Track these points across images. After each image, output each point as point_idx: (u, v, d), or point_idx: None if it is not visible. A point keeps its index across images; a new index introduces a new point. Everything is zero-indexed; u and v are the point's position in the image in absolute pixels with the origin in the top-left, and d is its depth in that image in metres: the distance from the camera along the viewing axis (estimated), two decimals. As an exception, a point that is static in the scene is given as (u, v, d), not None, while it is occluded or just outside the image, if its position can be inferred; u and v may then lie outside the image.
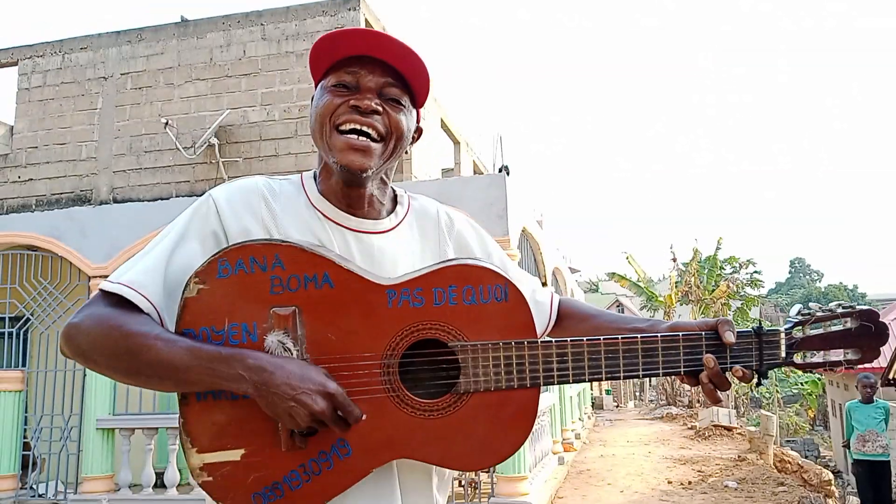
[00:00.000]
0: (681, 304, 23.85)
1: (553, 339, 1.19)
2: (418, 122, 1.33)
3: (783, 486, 9.35)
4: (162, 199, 8.26)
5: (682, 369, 1.20)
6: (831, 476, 10.80)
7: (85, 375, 7.80)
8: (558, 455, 10.71)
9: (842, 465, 17.97)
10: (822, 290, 69.20)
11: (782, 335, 1.21)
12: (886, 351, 21.30)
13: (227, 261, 1.11)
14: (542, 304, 1.43)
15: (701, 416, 18.34)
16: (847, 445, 8.09)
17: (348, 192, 1.26)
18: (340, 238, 1.24)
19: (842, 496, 12.20)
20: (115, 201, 8.56)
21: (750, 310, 24.84)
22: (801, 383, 29.16)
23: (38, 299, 8.21)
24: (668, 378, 28.14)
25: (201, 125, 8.40)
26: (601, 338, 1.19)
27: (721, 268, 25.47)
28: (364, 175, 1.22)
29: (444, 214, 1.40)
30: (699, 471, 10.78)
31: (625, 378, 1.20)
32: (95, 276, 7.82)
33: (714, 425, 16.40)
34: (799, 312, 1.24)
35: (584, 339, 1.19)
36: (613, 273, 26.40)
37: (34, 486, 8.12)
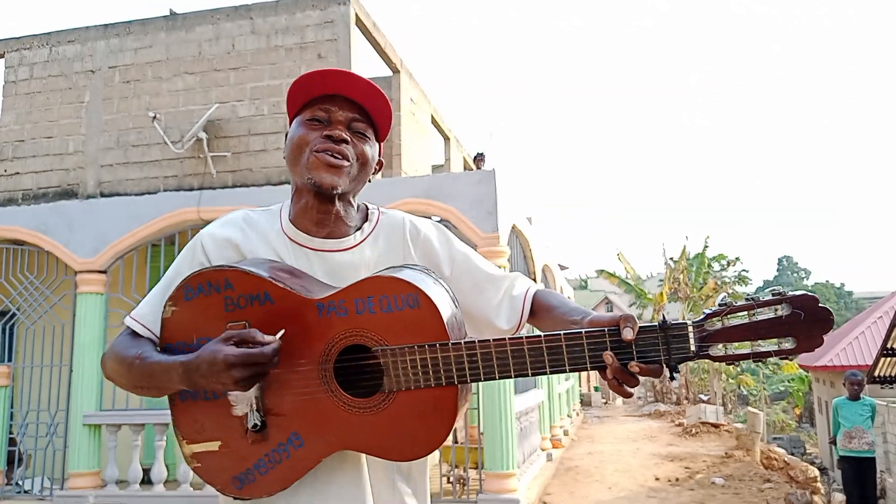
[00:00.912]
0: (670, 302, 23.93)
1: (464, 341, 1.27)
2: (380, 154, 1.53)
3: (769, 483, 9.41)
4: (150, 193, 8.20)
5: (587, 366, 1.22)
6: (817, 473, 10.88)
7: (71, 371, 7.75)
8: (547, 451, 10.73)
9: (828, 461, 18.09)
10: (809, 287, 69.64)
11: (690, 328, 1.19)
12: (872, 348, 21.42)
13: (190, 286, 1.34)
14: (515, 299, 1.50)
15: (689, 413, 18.43)
16: (833, 442, 8.14)
17: (318, 209, 1.43)
18: (304, 259, 1.43)
19: (827, 493, 12.28)
20: (103, 195, 8.50)
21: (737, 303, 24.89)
22: (789, 381, 29.34)
23: (25, 294, 8.15)
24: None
25: (189, 119, 8.35)
26: (507, 338, 1.26)
27: (709, 265, 25.60)
28: (334, 191, 1.40)
29: (409, 224, 1.53)
30: (686, 467, 10.83)
31: (533, 375, 1.25)
32: (82, 271, 7.77)
33: (701, 422, 16.48)
34: (720, 302, 1.21)
35: (492, 339, 1.27)
36: (602, 270, 26.47)
37: (20, 482, 8.07)
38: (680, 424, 17.72)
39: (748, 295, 1.20)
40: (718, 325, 1.19)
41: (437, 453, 8.95)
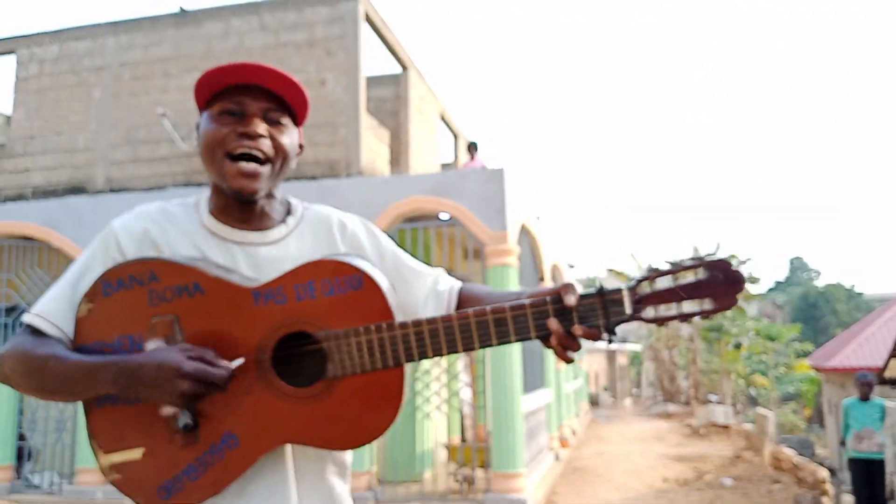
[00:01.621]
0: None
1: (410, 320, 1.24)
2: (300, 139, 1.46)
3: (779, 484, 9.36)
4: (158, 189, 8.22)
5: (532, 335, 1.24)
6: (826, 474, 10.79)
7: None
8: (554, 451, 10.70)
9: (837, 463, 17.97)
10: (820, 288, 69.27)
11: (625, 292, 1.23)
12: (883, 350, 21.27)
13: (109, 280, 1.25)
14: (441, 294, 1.47)
15: (698, 414, 18.37)
16: (843, 443, 8.08)
17: (238, 208, 1.37)
18: (226, 252, 1.35)
19: (836, 494, 12.19)
20: (112, 191, 8.51)
21: (748, 304, 24.81)
22: (799, 382, 29.19)
23: (34, 289, 8.18)
24: (665, 375, 28.16)
25: (197, 116, 8.36)
26: (454, 314, 1.24)
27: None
28: (255, 197, 1.34)
29: (336, 220, 1.48)
30: (695, 468, 10.78)
31: (480, 347, 1.24)
32: (91, 267, 7.78)
33: (711, 423, 16.42)
34: (647, 269, 1.26)
35: (439, 316, 1.24)
36: (613, 269, 26.38)
37: (29, 477, 8.11)
38: (689, 425, 17.66)
39: (671, 260, 1.26)
40: (648, 290, 1.24)
41: (444, 452, 8.93)
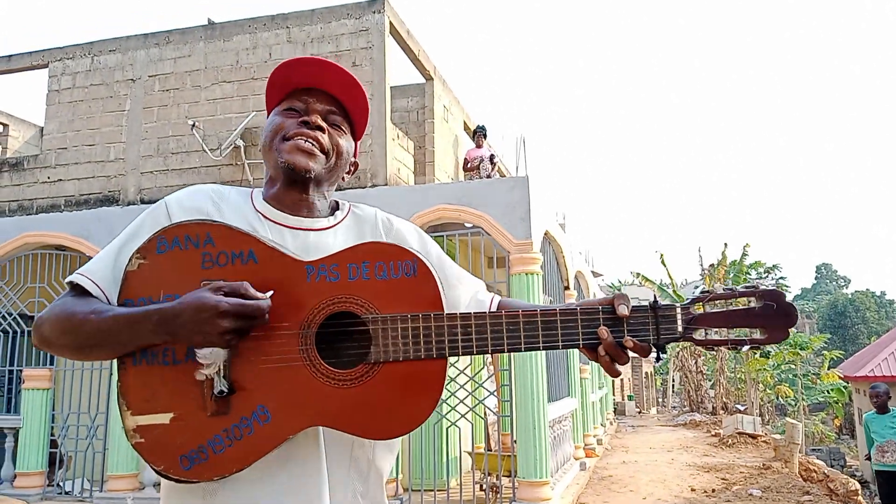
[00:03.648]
0: (706, 310, 23.60)
1: (458, 313, 1.24)
2: (356, 155, 1.50)
3: (808, 496, 9.23)
4: (188, 200, 8.35)
5: (580, 342, 1.23)
6: (858, 486, 10.64)
7: (111, 374, 7.88)
8: (580, 461, 10.65)
9: (869, 475, 17.69)
10: (849, 296, 68.23)
11: (678, 310, 1.23)
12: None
13: (164, 238, 1.22)
14: (482, 303, 1.49)
15: (725, 423, 18.17)
16: (869, 457, 7.97)
17: (291, 195, 1.39)
18: (277, 234, 1.35)
19: (869, 506, 12.01)
20: (143, 202, 8.66)
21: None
22: (828, 391, 28.78)
23: (66, 298, 8.31)
24: (691, 384, 27.85)
25: (227, 127, 8.47)
26: (503, 311, 1.24)
27: (746, 272, 25.24)
28: (307, 175, 1.36)
29: (383, 217, 1.51)
30: (723, 478, 10.67)
31: (526, 350, 1.23)
32: (122, 276, 7.91)
33: (738, 433, 16.23)
34: (701, 290, 1.25)
35: (487, 312, 1.24)
36: (639, 273, 26.19)
37: (61, 484, 8.23)
38: (716, 434, 17.47)
39: (725, 285, 1.25)
40: (700, 311, 1.24)
41: (469, 460, 8.94)
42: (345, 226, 1.44)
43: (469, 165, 9.99)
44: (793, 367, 27.30)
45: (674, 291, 25.45)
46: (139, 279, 1.22)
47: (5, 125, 13.13)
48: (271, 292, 1.19)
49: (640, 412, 34.46)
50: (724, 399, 24.92)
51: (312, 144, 1.37)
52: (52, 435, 8.21)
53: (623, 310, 1.21)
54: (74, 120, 9.30)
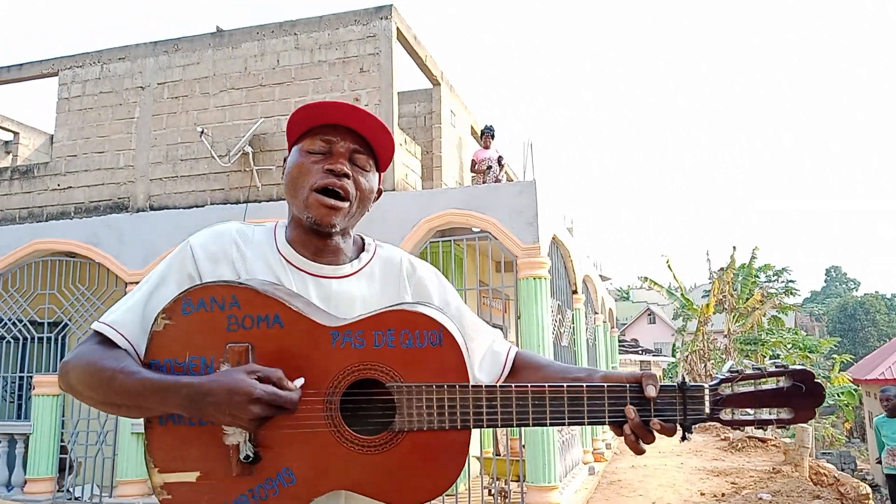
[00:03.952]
0: (716, 313, 23.51)
1: (484, 385, 1.23)
2: (380, 183, 1.49)
3: (819, 500, 9.19)
4: (197, 206, 8.39)
5: (606, 419, 1.22)
6: (869, 490, 10.58)
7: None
8: (589, 465, 10.63)
9: (880, 478, 17.59)
10: (859, 298, 67.89)
11: (706, 391, 1.23)
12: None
13: (190, 299, 1.23)
14: (497, 355, 1.50)
15: (734, 426, 18.05)
16: (880, 461, 7.94)
17: (315, 241, 1.39)
18: (300, 282, 1.36)
19: (880, 510, 11.95)
20: (152, 209, 8.71)
21: (787, 315, 24.41)
22: (838, 394, 28.65)
23: (77, 305, 8.37)
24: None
25: (236, 134, 8.52)
26: (529, 385, 1.23)
27: (756, 276, 25.14)
28: (332, 229, 1.37)
29: (407, 262, 1.51)
30: (732, 483, 10.63)
31: (551, 425, 1.23)
32: (132, 282, 7.96)
33: (748, 437, 16.16)
34: (729, 370, 1.25)
35: (513, 385, 1.23)
36: (647, 277, 26.11)
37: (70, 489, 8.26)
38: (726, 439, 17.40)
39: (755, 364, 1.26)
40: (728, 391, 1.24)
41: (477, 464, 8.94)
42: (368, 272, 1.44)
43: (477, 167, 9.95)
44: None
45: (682, 295, 25.37)
46: (165, 340, 1.24)
47: (16, 133, 13.23)
48: (302, 381, 1.20)
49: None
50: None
51: (338, 199, 1.35)
52: (62, 441, 8.24)
53: (651, 391, 1.21)
54: (84, 127, 9.37)
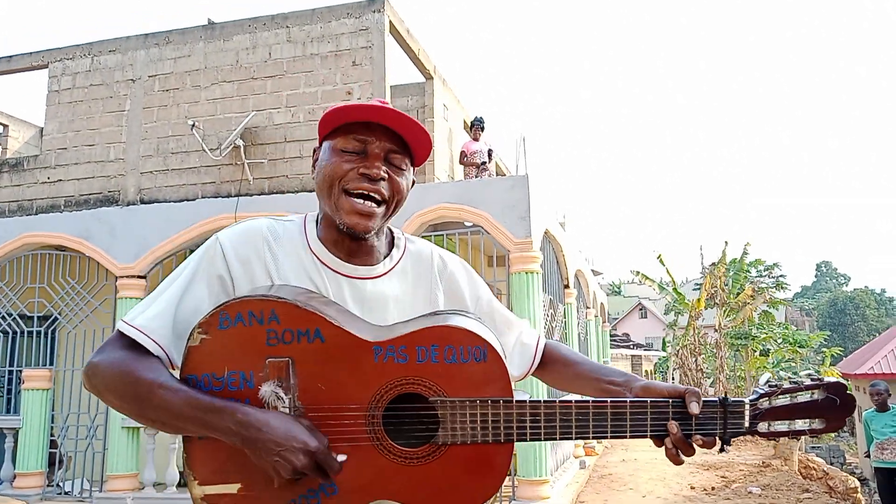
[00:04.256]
0: (707, 308, 23.59)
1: (528, 400, 1.25)
2: (414, 174, 1.46)
3: (808, 493, 9.24)
4: (188, 199, 8.35)
5: (648, 433, 1.26)
6: (857, 483, 10.64)
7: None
8: (580, 459, 10.66)
9: (868, 472, 17.71)
10: (849, 293, 68.25)
11: (747, 406, 1.27)
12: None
13: (227, 314, 1.21)
14: (527, 347, 1.51)
15: (725, 421, 18.15)
16: (868, 455, 8.00)
17: (349, 243, 1.37)
18: (335, 284, 1.35)
19: (868, 504, 12.03)
20: (143, 202, 8.66)
21: (777, 310, 24.53)
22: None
23: (66, 299, 8.33)
24: (691, 382, 27.86)
25: (227, 127, 8.48)
26: (573, 400, 1.25)
27: (747, 271, 25.24)
28: (366, 235, 1.34)
29: (437, 257, 1.49)
30: (722, 476, 10.68)
31: (594, 438, 1.25)
32: (122, 276, 7.92)
33: (738, 430, 16.22)
34: (767, 383, 1.29)
35: (557, 400, 1.25)
36: (638, 272, 26.17)
37: (60, 484, 8.23)
38: (716, 432, 17.48)
39: (791, 378, 1.30)
40: (767, 405, 1.28)
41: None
42: (401, 269, 1.43)
43: (468, 159, 9.91)
44: (793, 364, 27.32)
45: (674, 289, 25.46)
46: (202, 355, 1.22)
47: (5, 126, 13.14)
48: (344, 457, 1.20)
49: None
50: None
51: (372, 202, 1.32)
52: (52, 435, 8.21)
53: (694, 408, 1.24)
54: (74, 120, 9.31)
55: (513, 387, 1.27)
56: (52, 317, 8.37)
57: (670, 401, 1.25)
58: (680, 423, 1.25)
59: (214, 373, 1.22)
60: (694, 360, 26.69)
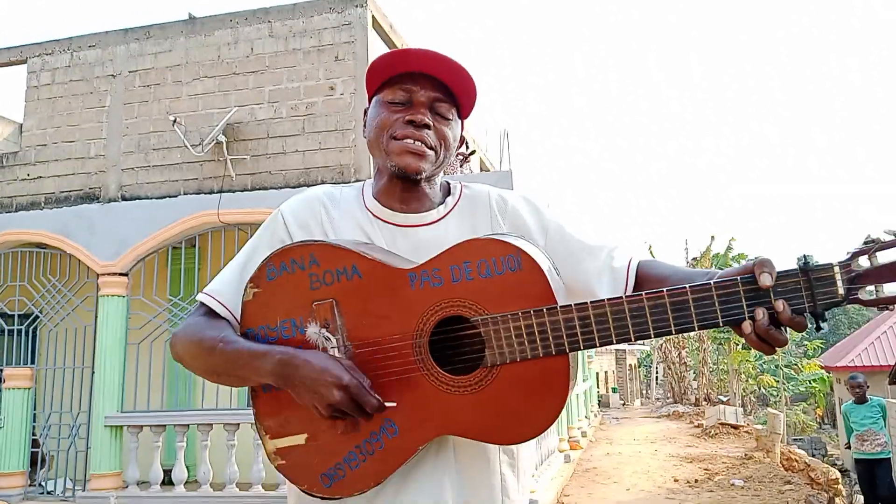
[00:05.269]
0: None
1: (573, 304, 1.15)
2: (462, 130, 1.45)
3: (790, 485, 9.34)
4: (170, 196, 8.28)
5: (719, 321, 1.09)
6: (839, 475, 10.77)
7: (93, 373, 7.82)
8: (564, 453, 10.71)
9: (849, 463, 17.92)
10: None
11: (836, 269, 1.06)
12: (894, 348, 21.15)
13: (272, 265, 1.26)
14: (617, 271, 1.37)
15: (707, 414, 18.33)
16: (849, 446, 8.10)
17: (401, 191, 1.39)
18: (388, 234, 1.37)
19: (849, 495, 12.18)
20: (124, 199, 8.58)
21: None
22: (810, 381, 29.09)
23: (47, 297, 8.25)
24: (675, 375, 28.06)
25: (209, 123, 8.41)
26: (623, 296, 1.14)
27: (730, 265, 25.41)
28: (418, 176, 1.35)
29: (496, 196, 1.46)
30: (706, 469, 10.77)
31: (655, 336, 1.13)
32: (104, 274, 7.86)
33: (721, 423, 16.38)
34: (864, 241, 1.07)
35: (606, 299, 1.14)
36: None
37: (43, 483, 8.17)
38: (699, 426, 17.63)
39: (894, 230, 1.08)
40: (867, 265, 1.06)
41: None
42: (457, 213, 1.42)
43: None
44: (775, 357, 27.59)
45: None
46: (255, 308, 1.28)
47: (-17, 121, 12.98)
48: (393, 404, 1.19)
49: (624, 404, 34.69)
50: (707, 390, 25.14)
51: (421, 145, 1.33)
52: (34, 434, 8.14)
53: (766, 279, 1.06)
54: (54, 116, 9.20)
55: (555, 292, 1.16)
56: (33, 315, 8.29)
57: (738, 278, 1.09)
58: (756, 303, 1.07)
59: (269, 324, 1.26)
60: (678, 353, 26.90)
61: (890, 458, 7.89)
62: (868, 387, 8.07)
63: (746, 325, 1.08)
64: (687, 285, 1.11)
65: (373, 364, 1.21)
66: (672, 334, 1.15)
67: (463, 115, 1.42)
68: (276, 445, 1.26)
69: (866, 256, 1.05)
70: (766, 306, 1.07)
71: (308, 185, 7.84)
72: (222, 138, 8.09)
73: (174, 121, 8.31)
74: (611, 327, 1.13)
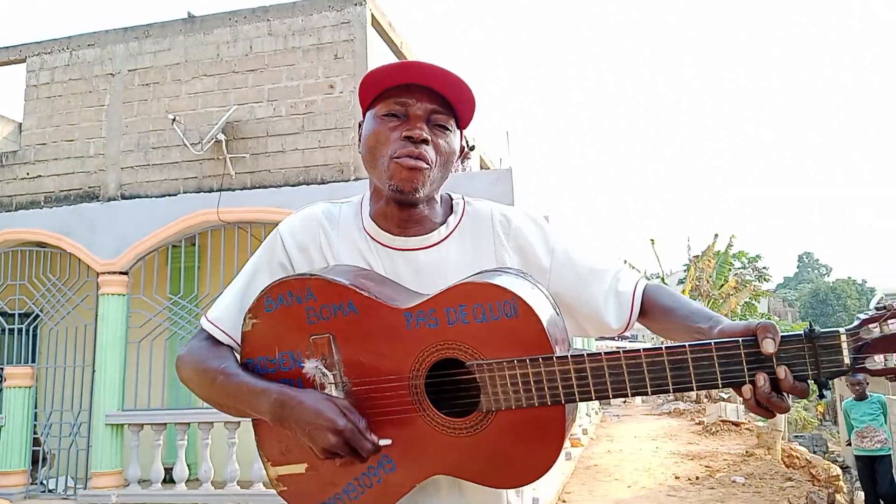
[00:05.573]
0: (692, 299, 23.81)
1: (570, 354, 1.13)
2: (462, 139, 1.41)
3: (791, 482, 9.34)
4: (170, 195, 8.28)
5: (719, 383, 1.07)
6: (840, 471, 10.78)
7: (94, 371, 7.83)
8: (565, 450, 10.71)
9: (850, 460, 17.90)
10: (831, 284, 68.92)
11: (843, 336, 1.02)
12: None
13: (270, 297, 1.25)
14: (623, 295, 1.35)
15: (708, 411, 18.32)
16: (849, 443, 8.11)
17: (399, 213, 1.34)
18: (387, 259, 1.34)
19: (850, 491, 12.16)
20: (124, 198, 8.58)
21: (759, 301, 24.75)
22: (810, 378, 29.02)
23: (48, 295, 8.26)
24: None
25: (208, 121, 8.41)
26: (621, 350, 1.12)
27: (731, 263, 25.42)
28: (415, 195, 1.29)
29: (499, 215, 1.41)
30: (707, 466, 10.77)
31: (653, 393, 1.10)
32: (104, 272, 7.86)
33: (722, 420, 16.37)
34: (875, 306, 1.03)
35: (603, 353, 1.13)
36: (625, 261, 26.29)
37: (44, 482, 8.18)
38: (700, 423, 17.62)
39: None
40: (877, 333, 1.01)
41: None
42: (458, 234, 1.37)
43: None
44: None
45: (661, 280, 25.60)
46: (254, 338, 1.28)
47: (-17, 121, 12.98)
48: (388, 442, 1.19)
49: (625, 401, 34.67)
50: (708, 387, 25.08)
51: (420, 162, 1.28)
52: (35, 433, 8.15)
53: (769, 346, 1.01)
54: (53, 115, 9.20)
55: (551, 341, 1.13)
56: (34, 314, 8.30)
57: (740, 340, 1.05)
58: (757, 367, 1.04)
59: (268, 355, 1.26)
60: (678, 351, 26.86)
61: (890, 454, 7.89)
62: (868, 384, 8.07)
63: (746, 390, 1.05)
64: (686, 343, 1.08)
65: (370, 401, 1.21)
66: (670, 392, 1.12)
67: (462, 126, 1.37)
68: (277, 472, 1.28)
69: (877, 324, 1.01)
70: (768, 371, 1.04)
71: (307, 184, 7.85)
72: (222, 137, 8.08)
73: (173, 119, 8.31)
74: (607, 382, 1.12)
